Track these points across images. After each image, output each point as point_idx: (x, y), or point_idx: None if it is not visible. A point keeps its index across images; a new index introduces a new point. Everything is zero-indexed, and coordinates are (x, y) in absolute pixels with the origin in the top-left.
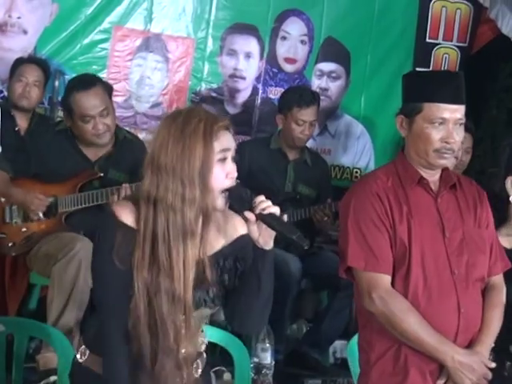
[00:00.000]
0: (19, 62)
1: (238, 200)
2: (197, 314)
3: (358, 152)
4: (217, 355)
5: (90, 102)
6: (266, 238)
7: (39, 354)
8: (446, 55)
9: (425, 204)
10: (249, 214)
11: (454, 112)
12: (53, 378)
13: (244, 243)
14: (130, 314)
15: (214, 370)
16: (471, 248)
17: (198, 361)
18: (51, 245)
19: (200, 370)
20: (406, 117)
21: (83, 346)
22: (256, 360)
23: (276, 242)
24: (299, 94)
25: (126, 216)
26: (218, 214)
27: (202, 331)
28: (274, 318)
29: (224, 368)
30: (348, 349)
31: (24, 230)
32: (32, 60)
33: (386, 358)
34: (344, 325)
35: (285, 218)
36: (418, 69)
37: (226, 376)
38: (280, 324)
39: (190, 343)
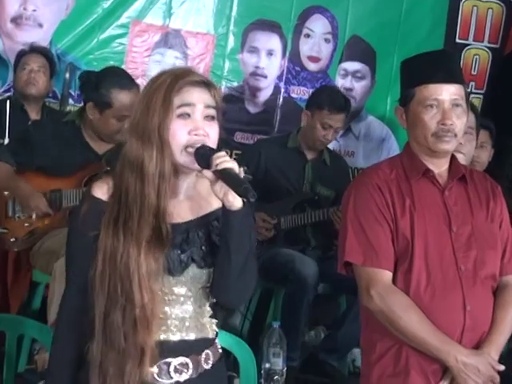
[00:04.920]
0: (21, 54)
1: (201, 158)
2: (186, 279)
3: (383, 155)
4: (231, 361)
5: (131, 102)
6: (228, 198)
7: (38, 355)
8: (477, 56)
9: (430, 197)
10: (206, 172)
11: (448, 92)
12: None
13: None
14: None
15: None
16: (480, 243)
17: (209, 351)
18: (54, 240)
19: (211, 362)
20: (403, 107)
21: None
22: (267, 365)
23: (293, 243)
24: (333, 97)
25: (99, 189)
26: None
27: (211, 317)
28: (289, 323)
29: (235, 374)
30: None
31: (27, 224)
32: (33, 49)
33: (386, 358)
34: None
35: (241, 172)
36: None
37: (236, 382)
38: (294, 329)
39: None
